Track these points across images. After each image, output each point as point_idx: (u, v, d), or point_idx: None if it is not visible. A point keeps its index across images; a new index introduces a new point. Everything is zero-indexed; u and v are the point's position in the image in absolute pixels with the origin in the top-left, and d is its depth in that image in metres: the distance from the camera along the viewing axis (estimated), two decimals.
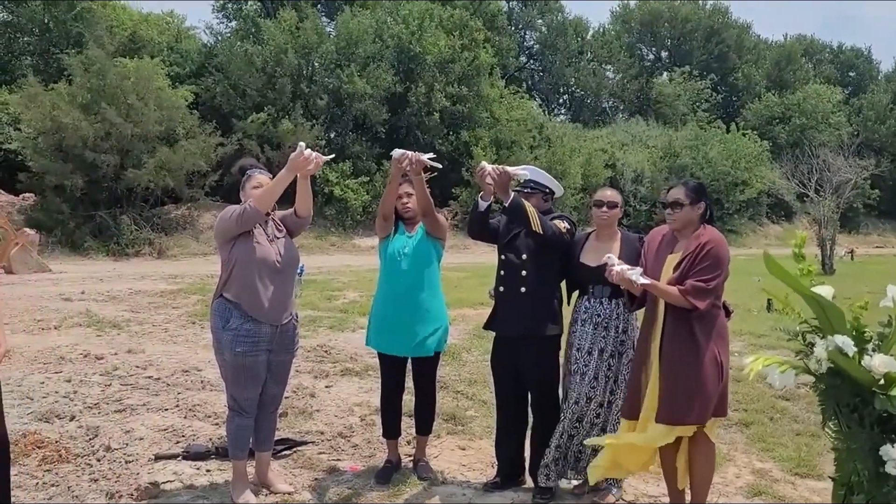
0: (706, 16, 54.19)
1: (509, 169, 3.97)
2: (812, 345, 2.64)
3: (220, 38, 32.65)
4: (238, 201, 3.91)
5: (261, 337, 3.76)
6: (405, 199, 4.26)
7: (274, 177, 3.89)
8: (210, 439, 4.77)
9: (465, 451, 4.82)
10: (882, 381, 2.44)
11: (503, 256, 4.14)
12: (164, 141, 22.66)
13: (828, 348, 2.47)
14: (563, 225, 4.04)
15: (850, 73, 59.22)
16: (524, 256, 4.03)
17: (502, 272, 4.14)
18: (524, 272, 4.02)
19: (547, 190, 4.15)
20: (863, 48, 61.37)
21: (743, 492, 4.29)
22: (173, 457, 4.48)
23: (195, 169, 22.76)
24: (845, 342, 2.45)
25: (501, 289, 4.12)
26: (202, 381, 6.35)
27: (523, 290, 4.00)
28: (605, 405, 3.93)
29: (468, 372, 7.00)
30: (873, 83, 57.67)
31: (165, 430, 5.00)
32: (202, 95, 26.74)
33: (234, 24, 33.56)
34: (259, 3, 34.02)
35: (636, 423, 3.63)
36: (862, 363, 2.46)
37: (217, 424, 5.09)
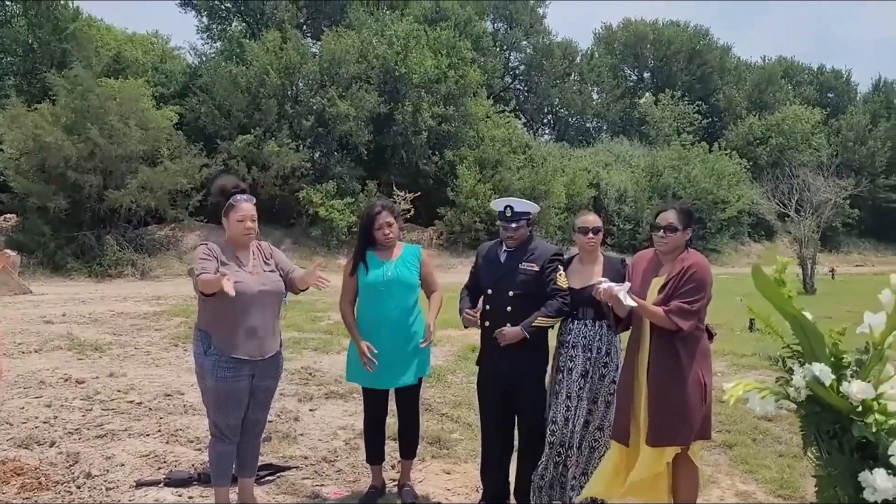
0: (688, 38, 54.91)
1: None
2: (792, 370, 2.66)
3: (204, 58, 32.75)
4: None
5: (243, 363, 3.74)
6: (387, 230, 4.20)
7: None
8: (192, 465, 4.73)
9: (449, 475, 4.80)
10: (860, 408, 2.47)
11: (489, 291, 4.12)
12: (147, 161, 22.57)
13: (805, 377, 2.50)
14: (562, 280, 4.01)
15: (830, 95, 60.01)
16: (510, 293, 4.01)
17: (488, 307, 4.12)
18: (510, 308, 4.00)
19: (530, 216, 4.16)
20: (842, 70, 62.36)
21: None
22: (155, 483, 4.44)
23: (179, 189, 22.67)
24: (822, 371, 2.47)
25: (487, 324, 4.09)
26: (185, 406, 6.29)
27: (509, 325, 3.98)
28: (594, 428, 3.95)
29: (453, 394, 6.99)
30: (852, 104, 58.55)
31: (147, 455, 4.95)
32: (186, 116, 26.71)
33: (218, 44, 33.65)
34: (243, 24, 34.14)
35: (626, 448, 3.65)
36: (840, 390, 2.49)
37: (200, 450, 5.04)
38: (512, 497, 4.18)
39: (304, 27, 35.53)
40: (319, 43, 31.47)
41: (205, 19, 34.60)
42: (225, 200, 3.81)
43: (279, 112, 27.43)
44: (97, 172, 21.38)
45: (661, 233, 3.65)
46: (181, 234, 24.34)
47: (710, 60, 54.16)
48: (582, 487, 3.93)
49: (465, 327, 4.23)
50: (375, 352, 4.05)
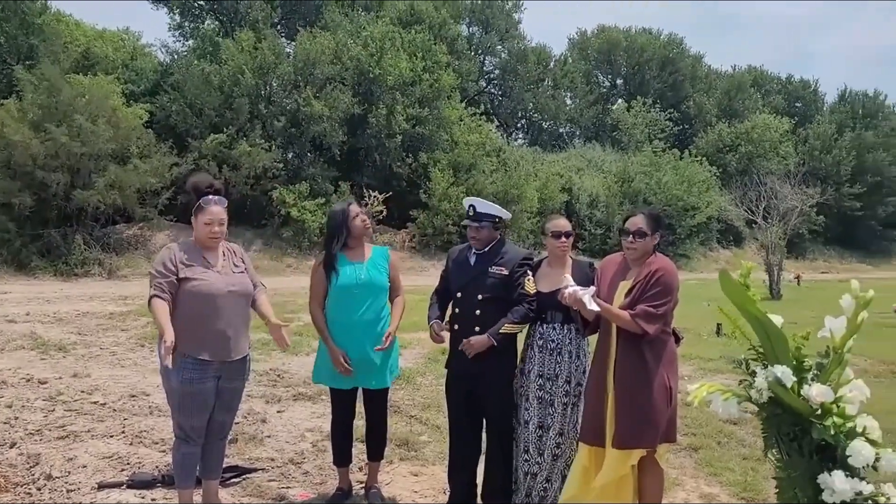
0: (661, 46, 55.48)
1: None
2: (755, 373, 2.71)
3: (176, 56, 32.33)
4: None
5: (209, 365, 3.69)
6: (364, 216, 4.22)
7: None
8: (157, 467, 4.68)
9: (417, 478, 4.80)
10: (819, 411, 2.51)
11: (459, 294, 4.12)
12: (116, 160, 22.23)
13: (767, 378, 2.54)
14: (530, 286, 4.02)
15: (797, 104, 60.96)
16: (479, 297, 4.02)
17: (457, 310, 4.12)
18: (478, 311, 4.01)
19: (497, 219, 4.16)
20: (810, 80, 63.43)
21: None
22: (117, 485, 4.37)
23: (148, 188, 22.37)
24: (784, 373, 2.51)
25: (456, 327, 4.10)
26: (150, 407, 6.22)
27: (478, 329, 3.98)
28: (559, 433, 3.96)
29: (422, 396, 6.98)
30: (819, 114, 59.55)
31: (110, 457, 4.88)
32: (157, 114, 26.34)
33: (191, 42, 33.26)
34: (217, 23, 33.81)
35: (594, 450, 3.67)
36: (801, 392, 2.53)
37: (164, 451, 4.98)
38: (479, 499, 4.18)
39: (279, 27, 35.30)
40: (294, 43, 31.28)
41: (177, 17, 34.16)
42: (196, 199, 3.77)
43: (252, 112, 27.19)
44: (64, 170, 20.99)
45: (630, 238, 3.68)
46: (150, 233, 24.00)
47: (682, 68, 54.73)
48: (547, 491, 3.94)
49: (433, 340, 4.22)
50: (349, 360, 4.04)
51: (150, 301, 3.61)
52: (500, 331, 3.91)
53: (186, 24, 34.10)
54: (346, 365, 4.03)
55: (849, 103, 59.65)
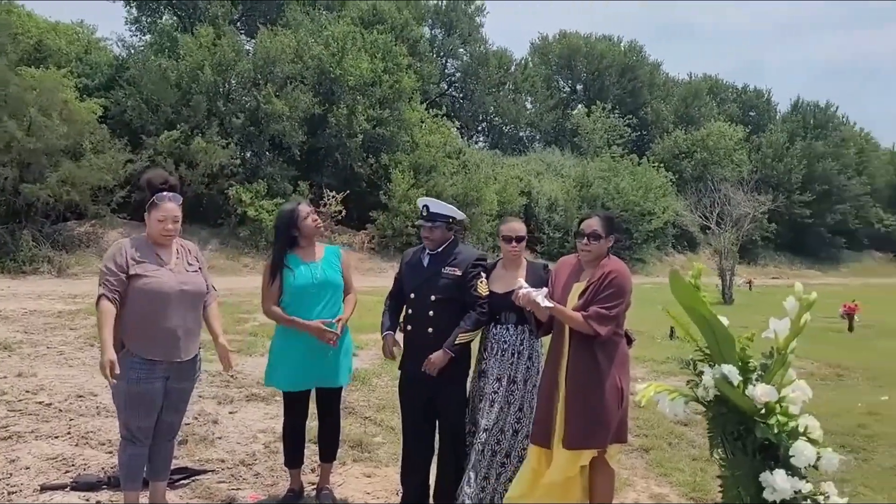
0: (621, 53, 56.28)
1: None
2: (702, 373, 2.76)
3: (132, 50, 31.74)
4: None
5: (158, 365, 3.62)
6: (315, 216, 4.18)
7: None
8: (102, 468, 4.57)
9: (370, 479, 4.77)
10: (763, 410, 2.57)
11: (412, 295, 4.11)
12: (68, 155, 21.69)
13: (714, 377, 2.59)
14: (482, 288, 4.03)
15: (751, 113, 62.44)
16: (433, 298, 4.02)
17: (410, 311, 4.12)
18: (432, 313, 4.01)
19: (450, 219, 4.16)
20: (763, 90, 64.96)
21: None
22: (61, 487, 4.26)
23: (101, 185, 21.88)
24: (730, 371, 2.56)
25: (409, 328, 4.10)
26: (98, 407, 6.08)
27: (430, 330, 3.98)
28: (512, 433, 3.97)
29: (377, 397, 6.96)
30: (771, 123, 61.06)
31: (54, 458, 4.76)
32: (112, 109, 25.81)
33: (148, 37, 32.68)
34: (175, 18, 33.27)
35: (544, 451, 3.69)
36: (746, 392, 2.58)
37: (111, 453, 4.87)
38: (431, 500, 4.18)
39: (238, 24, 34.89)
40: (254, 40, 30.94)
41: (134, 10, 33.54)
42: (150, 195, 3.70)
43: (209, 109, 26.81)
44: (13, 165, 20.43)
45: (584, 240, 3.71)
46: (102, 230, 23.46)
47: (640, 75, 55.63)
48: (496, 492, 3.96)
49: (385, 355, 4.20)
50: (332, 321, 4.02)
51: (98, 300, 3.53)
52: (456, 342, 3.93)
53: (144, 18, 33.52)
54: (330, 332, 4.00)
55: (801, 114, 61.30)
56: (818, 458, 2.54)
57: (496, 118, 50.53)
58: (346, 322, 4.18)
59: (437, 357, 3.91)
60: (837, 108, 62.96)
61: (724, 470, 2.71)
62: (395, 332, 4.18)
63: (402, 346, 4.17)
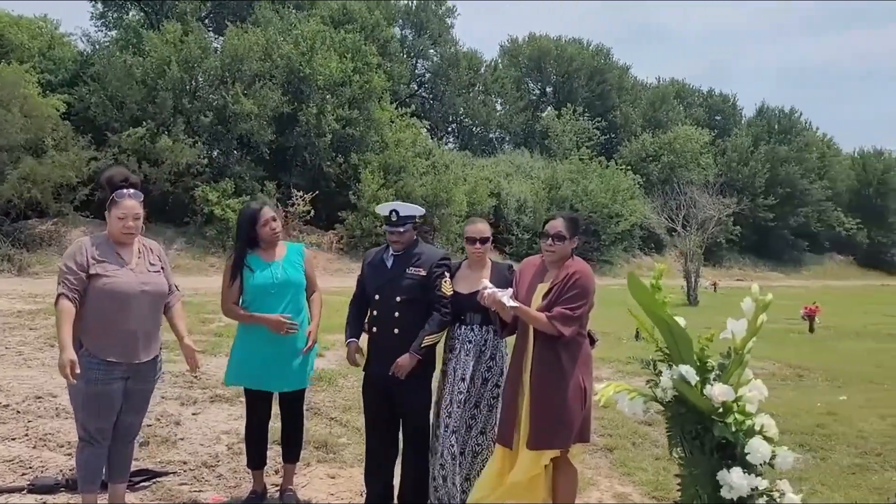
0: (590, 56, 56.72)
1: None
2: (661, 373, 2.79)
3: (97, 46, 31.22)
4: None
5: (117, 366, 3.57)
6: (273, 225, 4.12)
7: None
8: (61, 471, 4.50)
9: (334, 480, 4.75)
10: (721, 409, 2.61)
11: (377, 297, 4.10)
12: (30, 151, 21.27)
13: (673, 377, 2.62)
14: (446, 287, 4.04)
15: (717, 117, 63.33)
16: (398, 299, 4.02)
17: (375, 312, 4.11)
18: (397, 314, 4.01)
19: (416, 219, 4.17)
20: (729, 94, 65.94)
21: None
22: (17, 490, 4.18)
23: (64, 182, 21.47)
24: (688, 371, 2.60)
25: (374, 329, 4.09)
26: (57, 409, 5.97)
27: (396, 331, 3.98)
28: (478, 433, 3.99)
29: (343, 398, 6.92)
30: (737, 127, 62.02)
31: (11, 461, 4.67)
32: (76, 106, 25.36)
33: (113, 33, 32.17)
34: (142, 14, 32.80)
35: (508, 451, 3.70)
36: (703, 392, 2.62)
37: (70, 455, 4.78)
38: (395, 500, 4.17)
39: (207, 21, 34.49)
40: (222, 38, 30.61)
41: (100, 6, 33.00)
42: (110, 193, 3.64)
43: (175, 106, 26.44)
44: None
45: (549, 241, 3.74)
46: (64, 229, 23.02)
47: (609, 79, 56.10)
48: (465, 493, 3.97)
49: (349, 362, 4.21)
50: (289, 316, 4.01)
51: (57, 299, 3.47)
52: (423, 344, 3.93)
53: (110, 14, 32.99)
54: (285, 322, 3.99)
55: (765, 118, 62.34)
56: (773, 456, 2.58)
57: (466, 119, 50.62)
58: (316, 333, 4.18)
59: (405, 360, 3.91)
60: (801, 113, 64.22)
61: (682, 469, 2.74)
62: (358, 340, 4.17)
63: (364, 353, 4.16)
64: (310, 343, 4.13)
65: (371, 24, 38.53)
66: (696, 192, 28.72)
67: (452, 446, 3.93)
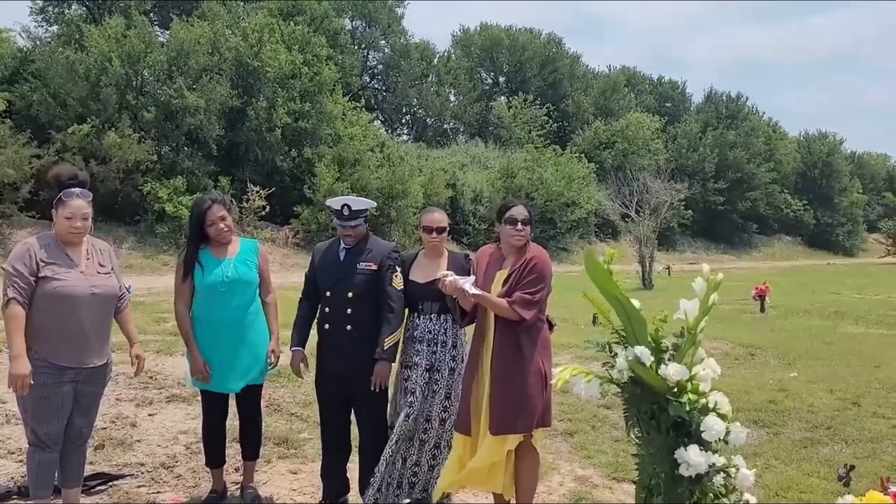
0: (542, 45, 57.03)
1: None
2: (617, 355, 2.83)
3: (38, 42, 30.28)
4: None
5: (66, 370, 3.47)
6: (221, 225, 4.02)
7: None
8: (12, 478, 4.38)
9: (296, 475, 4.71)
10: (675, 389, 2.65)
11: (328, 293, 4.06)
12: None
13: (628, 358, 2.66)
14: (397, 282, 4.02)
15: (667, 104, 64.35)
16: (350, 295, 3.99)
17: (327, 309, 4.07)
18: (350, 310, 3.98)
19: (367, 211, 4.14)
20: (678, 81, 67.01)
21: (565, 498, 4.49)
22: None
23: (6, 181, 20.83)
24: (643, 352, 2.64)
25: (326, 326, 4.05)
26: (6, 415, 5.78)
27: (349, 328, 3.96)
28: (440, 422, 3.99)
29: (303, 393, 6.85)
30: (686, 114, 63.10)
31: None
32: (16, 103, 24.62)
33: (55, 28, 31.27)
34: (84, 8, 31.91)
35: (468, 439, 3.72)
36: (658, 372, 2.66)
37: (21, 461, 4.65)
38: (354, 491, 4.16)
39: (152, 14, 33.72)
40: (168, 32, 29.96)
41: (40, 1, 32.04)
42: (57, 192, 3.52)
43: (120, 102, 25.83)
44: None
45: (518, 226, 3.76)
46: (9, 230, 22.36)
47: (561, 67, 56.51)
48: (429, 483, 3.98)
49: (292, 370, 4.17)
50: (209, 370, 3.95)
51: (6, 304, 3.37)
52: (386, 347, 3.91)
53: (50, 8, 32.02)
54: (205, 372, 3.94)
55: (713, 104, 63.48)
56: (727, 433, 2.64)
57: (420, 111, 50.50)
58: (278, 347, 4.14)
59: (383, 369, 3.91)
60: (747, 98, 65.59)
61: (640, 448, 2.79)
62: (304, 348, 4.14)
63: (308, 363, 4.16)
64: (274, 361, 4.11)
65: (320, 16, 38.15)
66: (649, 179, 29.17)
67: (413, 432, 3.93)
